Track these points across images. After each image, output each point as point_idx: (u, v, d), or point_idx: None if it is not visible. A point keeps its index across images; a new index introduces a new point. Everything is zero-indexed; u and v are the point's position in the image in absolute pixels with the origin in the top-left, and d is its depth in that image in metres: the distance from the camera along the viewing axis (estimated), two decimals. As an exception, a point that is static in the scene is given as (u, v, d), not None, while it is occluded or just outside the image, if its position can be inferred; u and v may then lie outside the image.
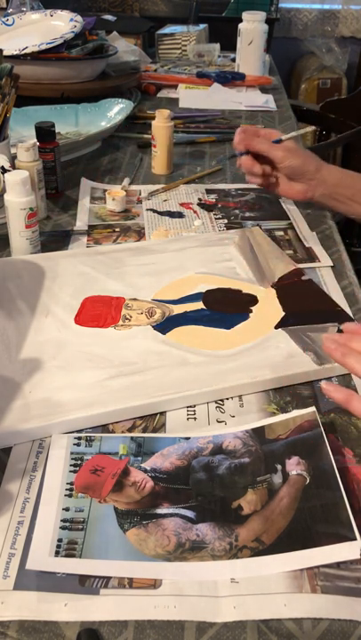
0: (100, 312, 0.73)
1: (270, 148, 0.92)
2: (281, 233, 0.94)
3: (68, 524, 0.48)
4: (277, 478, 0.52)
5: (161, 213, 0.99)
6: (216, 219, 0.98)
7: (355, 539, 0.46)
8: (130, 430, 0.58)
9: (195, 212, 1.00)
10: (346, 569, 0.46)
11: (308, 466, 0.52)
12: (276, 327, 0.70)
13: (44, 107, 1.28)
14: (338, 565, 0.46)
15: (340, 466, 0.53)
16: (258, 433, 0.56)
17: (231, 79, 1.70)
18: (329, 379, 0.64)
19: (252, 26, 1.67)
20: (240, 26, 1.69)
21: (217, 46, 1.99)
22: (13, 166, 0.88)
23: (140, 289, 0.77)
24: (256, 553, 0.46)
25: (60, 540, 0.47)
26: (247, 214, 0.99)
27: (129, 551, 0.47)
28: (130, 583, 0.45)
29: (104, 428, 0.58)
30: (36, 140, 0.94)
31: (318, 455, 0.53)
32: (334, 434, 0.57)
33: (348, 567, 0.46)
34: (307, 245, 0.90)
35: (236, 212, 1.00)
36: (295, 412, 0.58)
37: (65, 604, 0.43)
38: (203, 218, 0.98)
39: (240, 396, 0.62)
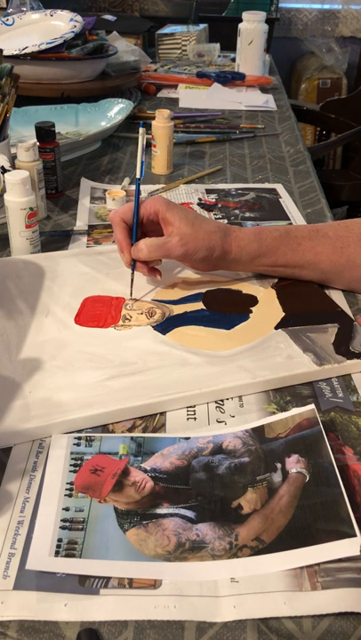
0: (100, 312, 0.73)
1: (162, 251, 0.73)
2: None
3: (67, 524, 0.48)
4: (277, 477, 0.52)
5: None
6: (216, 218, 0.98)
7: (355, 535, 0.46)
8: (130, 430, 0.58)
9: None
10: (347, 560, 0.45)
11: (307, 463, 0.52)
12: (276, 328, 0.70)
13: (44, 107, 1.28)
14: (339, 558, 0.45)
15: (341, 464, 0.53)
16: (257, 432, 0.56)
17: (231, 79, 1.71)
18: (329, 379, 0.64)
19: (252, 26, 1.68)
20: (240, 26, 1.70)
21: (217, 46, 1.99)
22: (13, 166, 0.88)
23: (141, 289, 0.77)
24: (256, 552, 0.46)
25: (59, 540, 0.47)
26: (247, 214, 0.99)
27: (129, 551, 0.47)
28: (130, 583, 0.45)
29: (104, 428, 0.58)
30: (36, 139, 0.94)
31: (318, 452, 0.53)
32: (334, 432, 0.57)
33: (350, 558, 0.45)
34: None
35: (236, 211, 1.00)
36: (294, 411, 0.57)
37: (65, 604, 0.43)
38: (203, 218, 0.98)
39: (240, 396, 0.62)
